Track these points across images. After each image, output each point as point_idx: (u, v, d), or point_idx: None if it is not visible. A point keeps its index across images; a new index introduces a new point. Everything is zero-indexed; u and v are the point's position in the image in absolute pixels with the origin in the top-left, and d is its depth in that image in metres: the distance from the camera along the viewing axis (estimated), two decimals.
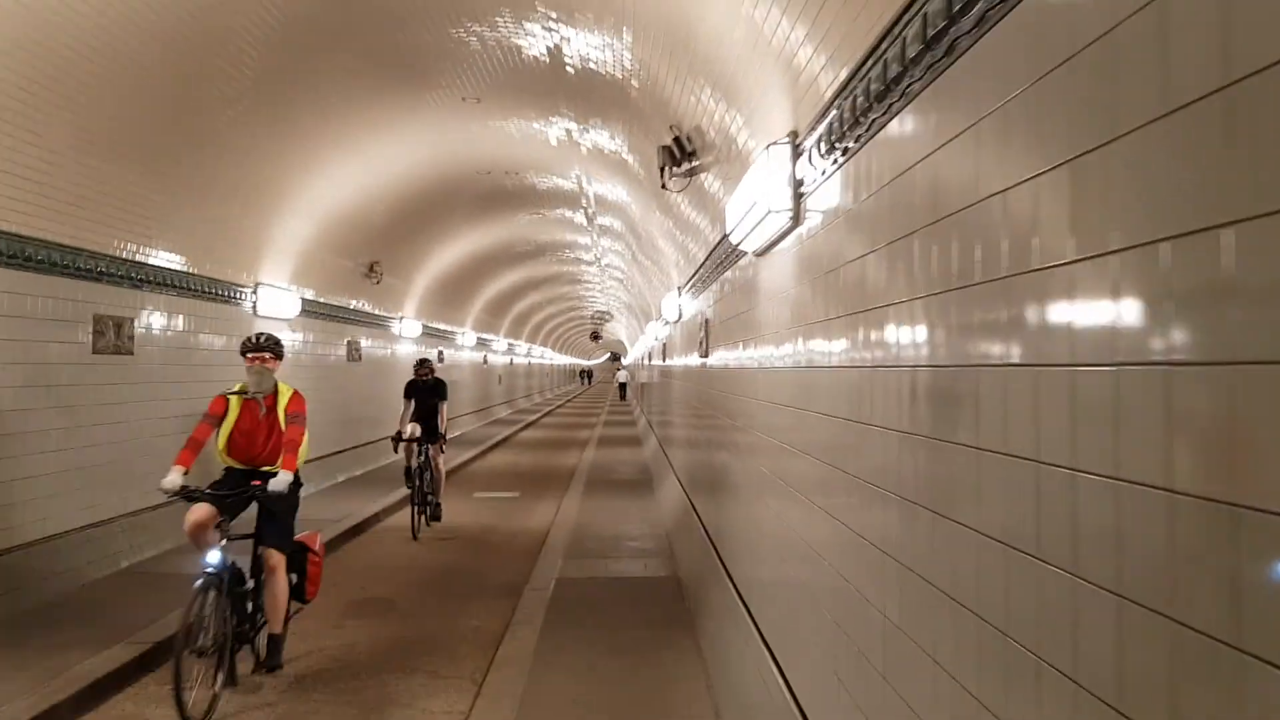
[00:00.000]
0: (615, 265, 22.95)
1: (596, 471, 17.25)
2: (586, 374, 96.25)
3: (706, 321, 8.88)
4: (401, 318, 20.30)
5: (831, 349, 3.84)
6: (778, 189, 4.43)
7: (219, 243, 11.17)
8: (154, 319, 10.04)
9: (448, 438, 12.51)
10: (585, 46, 8.77)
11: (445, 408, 12.14)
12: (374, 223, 15.53)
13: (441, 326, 24.88)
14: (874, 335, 3.24)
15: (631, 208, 14.19)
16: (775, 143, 4.47)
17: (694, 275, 9.93)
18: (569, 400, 55.62)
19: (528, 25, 8.70)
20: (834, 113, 3.70)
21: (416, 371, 12.09)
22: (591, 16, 7.99)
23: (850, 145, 3.56)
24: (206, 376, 10.98)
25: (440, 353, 24.78)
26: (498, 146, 13.31)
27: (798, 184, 4.38)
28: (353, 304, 16.76)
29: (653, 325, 20.64)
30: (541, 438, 27.21)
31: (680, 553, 9.64)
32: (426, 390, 12.08)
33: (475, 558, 10.27)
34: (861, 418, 3.36)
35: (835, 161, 3.78)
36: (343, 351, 16.39)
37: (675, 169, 7.99)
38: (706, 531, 8.72)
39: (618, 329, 51.55)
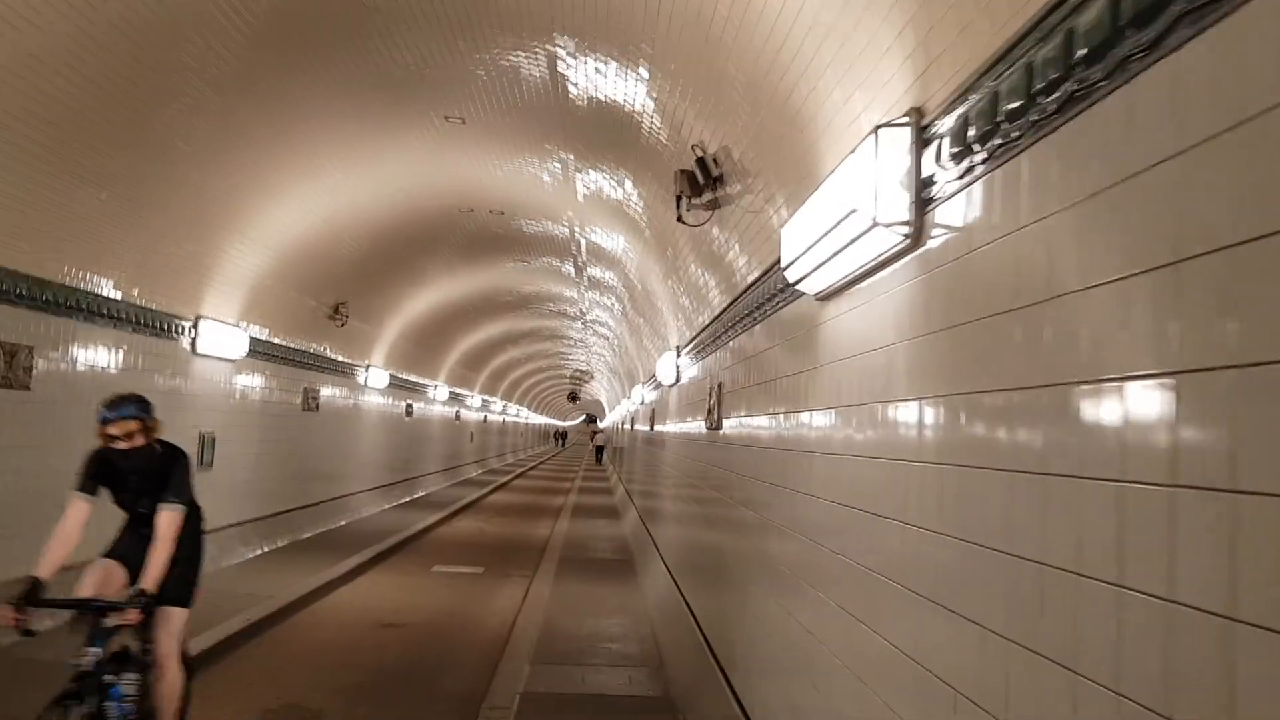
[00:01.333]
0: (602, 321, 21.52)
1: (571, 547, 15.60)
2: (561, 435, 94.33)
3: (719, 386, 7.39)
4: (368, 366, 18.72)
5: (973, 434, 2.40)
6: (888, 193, 2.97)
7: (152, 265, 9.63)
8: (62, 350, 8.46)
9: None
10: (595, 76, 7.40)
11: (175, 518, 5.06)
12: (340, 258, 14.03)
13: (413, 379, 23.29)
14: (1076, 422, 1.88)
15: (628, 259, 12.78)
16: (889, 123, 3.01)
17: (702, 331, 8.47)
18: (542, 461, 53.88)
19: (530, 44, 7.33)
20: (999, 80, 2.38)
21: (105, 429, 4.87)
22: (614, 48, 6.67)
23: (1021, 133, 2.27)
24: None
25: (409, 406, 23.16)
26: (482, 180, 11.90)
27: (923, 186, 2.92)
28: (312, 348, 15.18)
29: (638, 389, 19.14)
30: (512, 502, 25.52)
31: (672, 661, 8.04)
32: (136, 473, 5.09)
33: (426, 654, 8.62)
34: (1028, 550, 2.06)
35: (992, 157, 2.37)
36: (297, 400, 14.77)
37: (694, 199, 6.56)
38: (706, 639, 7.16)
39: (597, 389, 50.08)
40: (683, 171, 6.52)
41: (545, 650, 8.45)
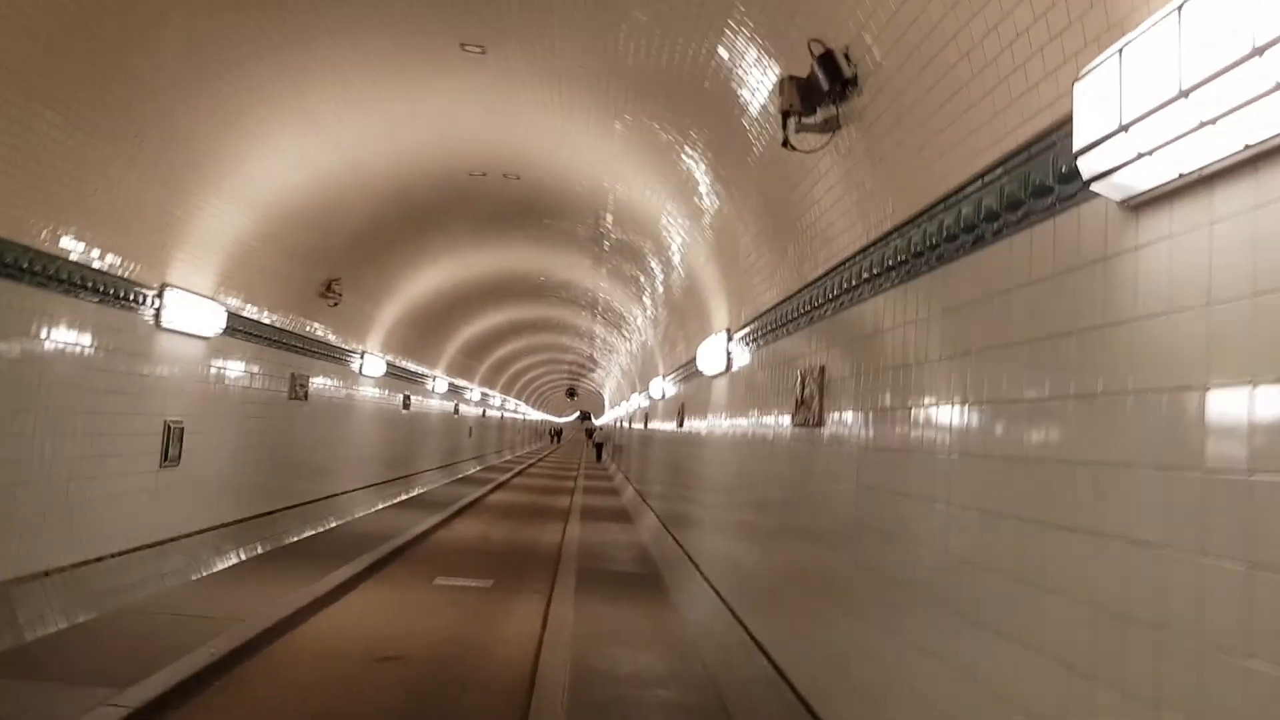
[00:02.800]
0: (617, 309, 19.77)
1: (588, 557, 13.92)
2: (557, 433, 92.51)
3: (819, 371, 5.71)
4: (363, 352, 17.01)
5: None
6: None
7: (106, 213, 7.93)
8: None
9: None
10: None
11: None
12: (335, 226, 12.34)
13: (411, 367, 21.60)
14: None
15: (669, 225, 11.10)
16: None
17: (789, 301, 6.80)
18: (540, 459, 52.18)
19: None
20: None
21: None
22: None
23: None
24: (70, 406, 7.69)
25: (406, 398, 21.47)
26: (499, 136, 10.24)
27: None
28: (302, 329, 13.48)
29: (658, 382, 17.48)
30: (515, 503, 23.83)
31: (745, 715, 6.38)
32: None
33: (433, 700, 6.95)
34: None
35: None
36: (283, 387, 13.06)
37: (807, 116, 4.90)
38: (796, 691, 5.50)
39: (601, 382, 48.30)
40: (792, 79, 4.85)
41: (581, 700, 6.78)
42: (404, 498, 20.92)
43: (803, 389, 5.96)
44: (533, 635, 9.06)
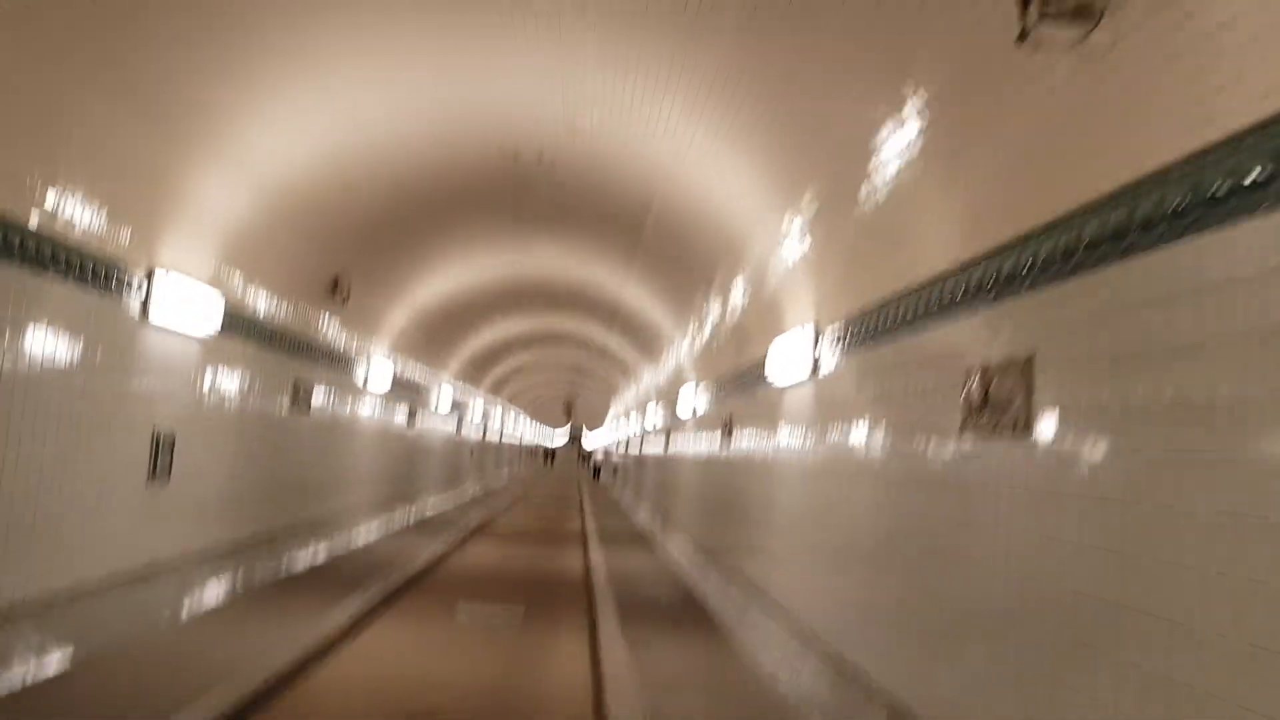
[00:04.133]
0: (640, 316, 18.35)
1: (621, 585, 12.51)
2: (550, 455, 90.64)
3: (1029, 360, 4.36)
4: (369, 362, 15.63)
5: None
6: None
7: (81, 170, 6.57)
8: None
9: None
10: None
11: None
12: (348, 212, 11.00)
13: (417, 380, 20.22)
14: None
15: (726, 195, 9.78)
16: None
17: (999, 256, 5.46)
18: (537, 481, 50.68)
19: None
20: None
21: None
22: None
23: None
24: (41, 409, 6.33)
25: (411, 415, 20.06)
26: (539, 99, 8.90)
27: None
28: (306, 332, 12.11)
29: (689, 391, 16.12)
30: (527, 526, 22.40)
31: None
32: None
33: None
34: None
35: None
36: (284, 397, 11.68)
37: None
38: None
39: (597, 405, 47.01)
40: None
41: None
42: (411, 522, 19.50)
43: (984, 388, 4.60)
44: (588, 685, 7.68)
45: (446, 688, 7.33)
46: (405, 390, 18.99)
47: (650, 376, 23.12)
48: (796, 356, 8.22)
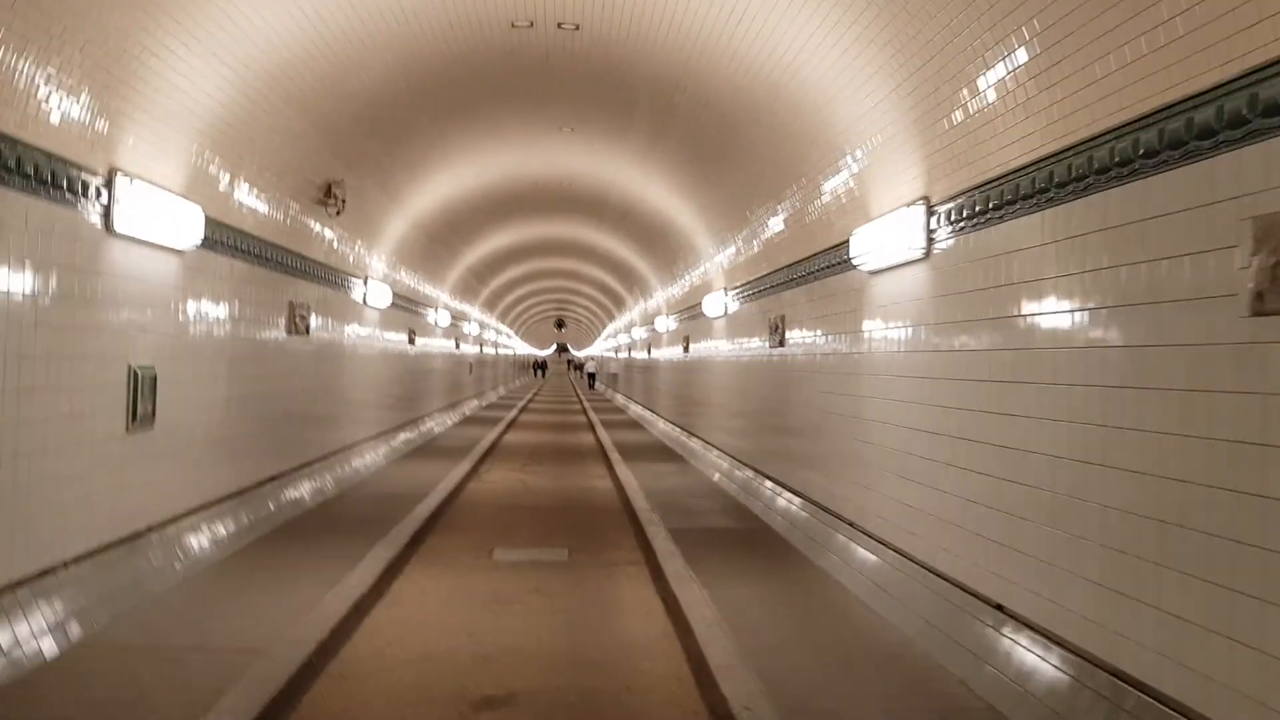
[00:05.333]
0: (654, 214, 16.82)
1: (668, 509, 11.28)
2: (541, 366, 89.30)
3: None
4: (367, 278, 14.17)
5: None
6: None
7: (13, 52, 5.04)
8: None
9: None
10: None
11: None
12: (343, 101, 9.49)
13: (418, 295, 18.81)
14: None
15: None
16: None
17: None
18: (535, 393, 49.43)
19: None
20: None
21: None
22: None
23: None
24: None
25: (412, 333, 18.67)
26: None
27: None
28: (301, 243, 10.63)
29: (717, 297, 14.75)
30: (538, 443, 21.17)
31: None
32: None
33: None
34: None
35: None
36: (280, 319, 10.26)
37: None
38: None
39: (605, 307, 45.74)
40: None
41: None
42: (417, 445, 18.23)
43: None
44: (666, 635, 6.50)
45: (513, 653, 6.11)
46: (405, 308, 17.57)
47: (664, 281, 21.67)
48: (900, 234, 6.83)
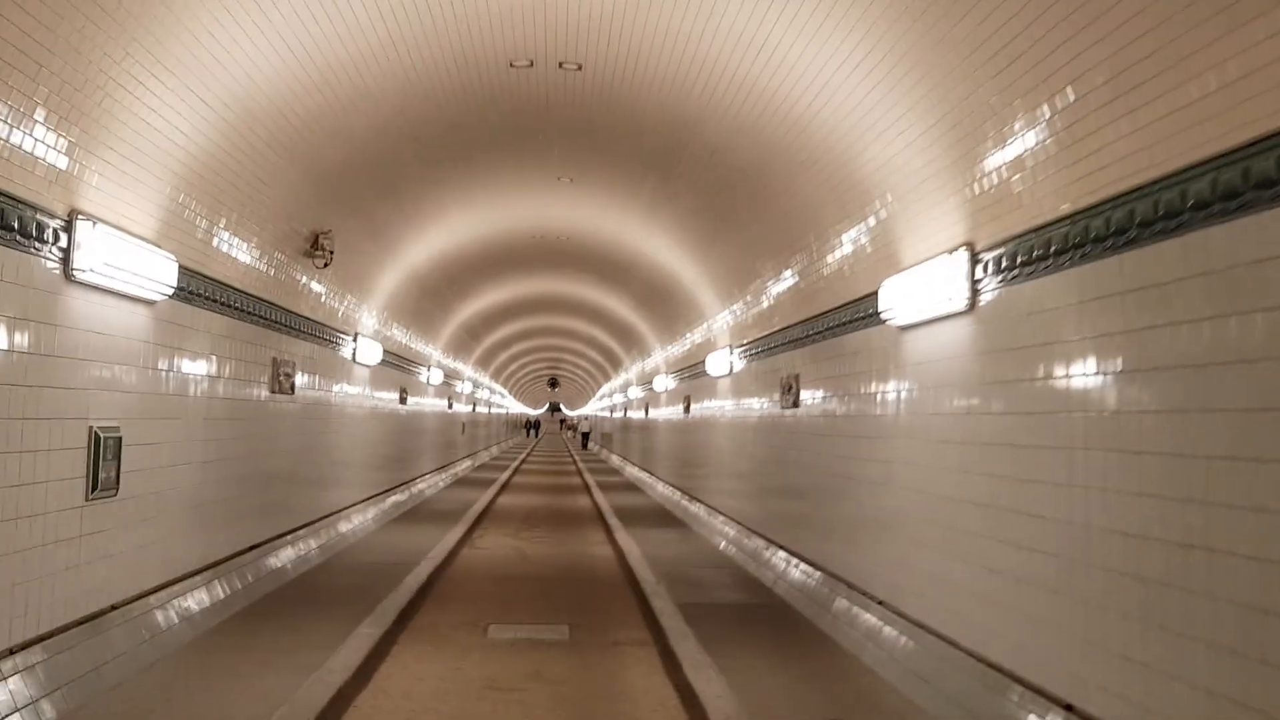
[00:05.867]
0: (668, 268, 16.27)
1: (675, 582, 10.59)
2: (533, 425, 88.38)
3: None
4: (357, 334, 13.56)
5: None
6: None
7: None
8: None
9: None
10: None
11: None
12: (339, 146, 8.94)
13: (410, 353, 18.18)
14: None
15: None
16: None
17: None
18: (529, 453, 48.64)
19: None
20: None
21: None
22: None
23: None
24: None
25: (404, 391, 18.02)
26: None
27: None
28: (287, 296, 10.02)
29: (722, 357, 14.16)
30: (533, 506, 20.39)
31: None
32: None
33: None
34: None
35: None
36: (263, 376, 9.62)
37: None
38: None
39: (600, 367, 45.20)
40: None
41: None
42: (409, 507, 17.51)
43: None
44: None
45: None
46: (397, 366, 16.94)
47: (664, 340, 21.08)
48: (937, 285, 6.24)
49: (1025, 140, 5.14)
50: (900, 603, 7.04)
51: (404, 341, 17.57)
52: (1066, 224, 4.82)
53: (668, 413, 22.12)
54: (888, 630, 7.10)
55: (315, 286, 10.97)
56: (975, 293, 5.95)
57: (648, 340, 23.20)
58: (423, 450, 21.28)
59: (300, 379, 10.77)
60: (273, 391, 9.85)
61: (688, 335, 17.83)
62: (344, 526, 12.89)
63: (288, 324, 10.15)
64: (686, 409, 18.78)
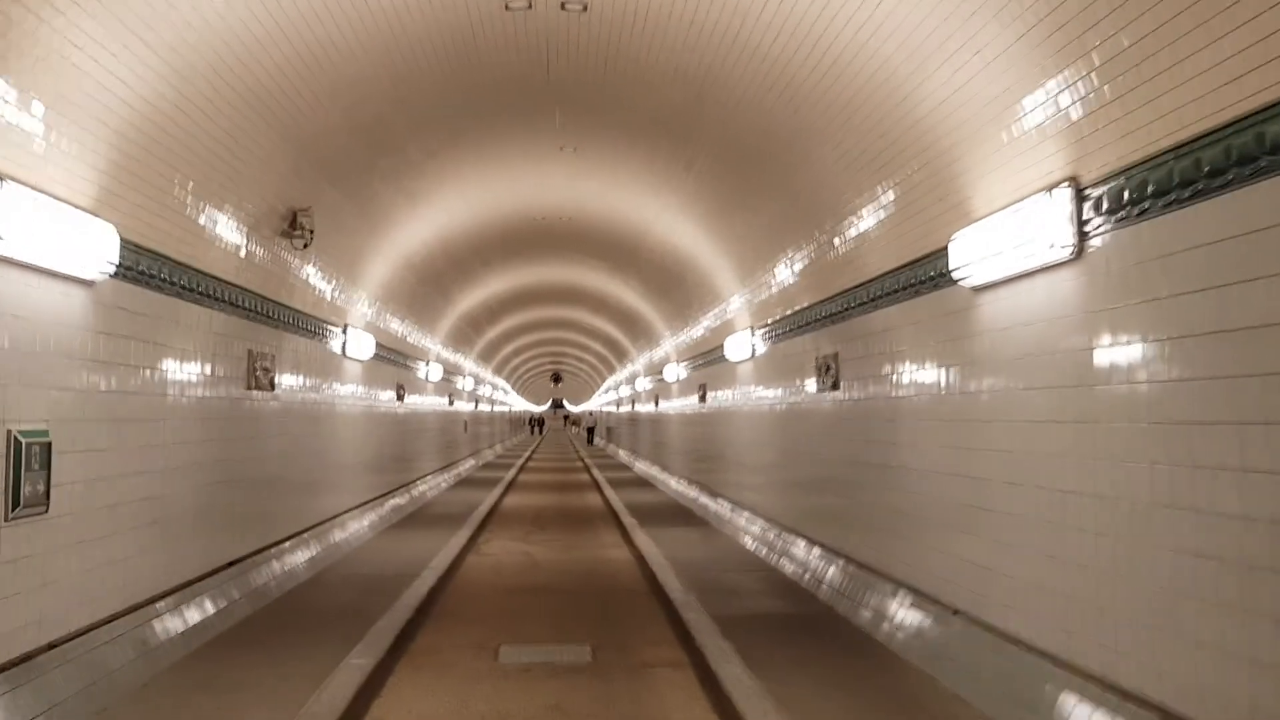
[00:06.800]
0: (679, 244, 15.14)
1: (704, 590, 9.53)
2: (538, 422, 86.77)
3: None
4: (346, 326, 12.47)
5: None
6: None
7: None
8: None
9: None
10: None
11: None
12: (316, 96, 7.84)
13: (406, 346, 17.09)
14: None
15: None
16: None
17: None
18: (533, 450, 47.57)
19: None
20: None
21: None
22: None
23: None
24: None
25: (400, 388, 16.93)
26: None
27: None
28: (262, 281, 8.94)
29: (744, 339, 13.09)
30: (541, 506, 19.30)
31: None
32: None
33: None
34: None
35: None
36: (235, 371, 8.53)
37: None
38: None
39: (604, 358, 44.15)
40: None
41: None
42: (410, 511, 16.43)
43: None
44: None
45: None
46: (392, 361, 15.87)
47: (675, 326, 19.97)
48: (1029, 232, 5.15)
49: (1160, 33, 4.04)
50: (985, 613, 5.96)
51: (400, 334, 16.49)
52: (1226, 134, 3.73)
53: (680, 404, 21.02)
54: (967, 645, 6.03)
55: (296, 270, 9.89)
56: (1083, 237, 4.85)
57: (656, 328, 22.10)
58: (423, 450, 20.20)
59: (282, 374, 9.70)
60: (249, 388, 8.78)
61: (701, 320, 16.72)
62: (337, 535, 11.81)
63: (264, 312, 9.08)
64: (702, 398, 17.68)
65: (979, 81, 5.53)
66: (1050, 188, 5.01)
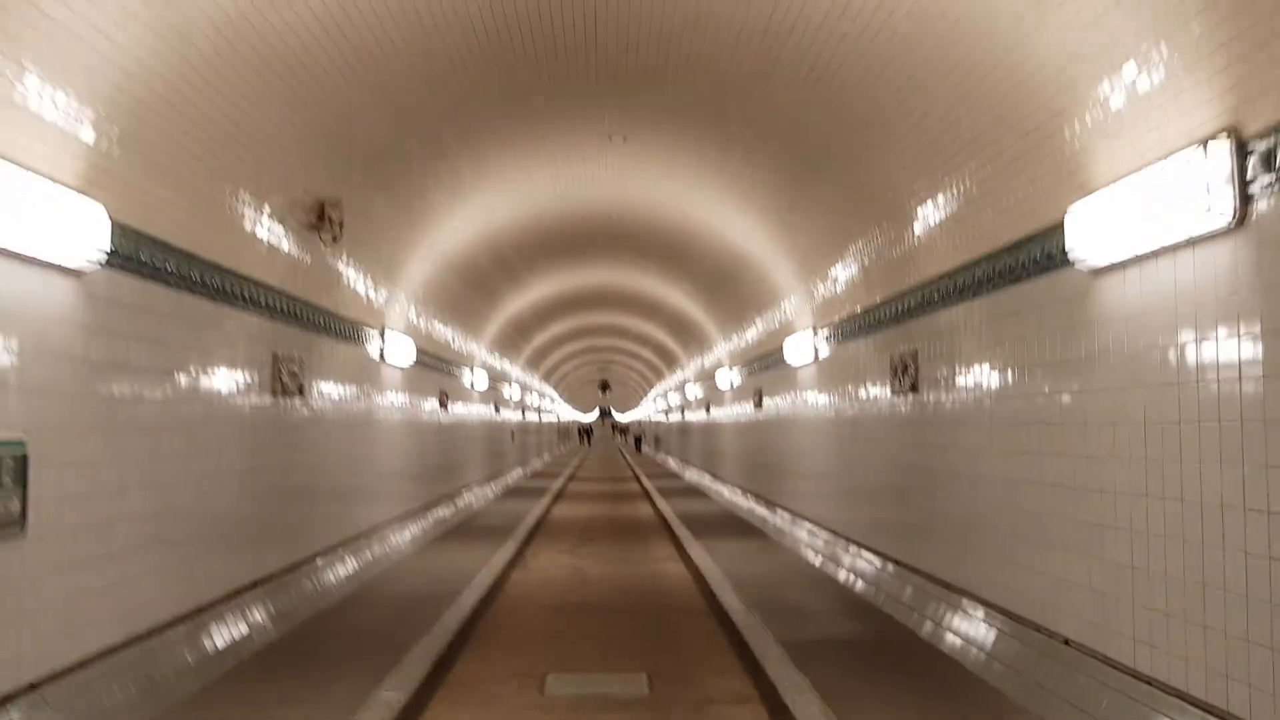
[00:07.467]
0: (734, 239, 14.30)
1: (771, 611, 8.69)
2: (586, 432, 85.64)
3: None
4: (384, 329, 11.81)
5: None
6: None
7: None
8: None
9: None
10: None
11: None
12: (347, 72, 7.14)
13: (452, 346, 16.44)
14: None
15: None
16: None
17: None
18: (582, 461, 46.86)
19: None
20: None
21: None
22: None
23: None
24: None
25: (444, 396, 16.27)
26: None
27: None
28: (288, 280, 8.26)
29: (803, 335, 12.24)
30: (591, 517, 18.55)
31: None
32: None
33: None
34: None
35: None
36: (256, 376, 7.86)
37: None
38: None
39: (654, 365, 43.36)
40: None
41: None
42: (454, 523, 15.74)
43: None
44: None
45: None
46: (436, 363, 15.20)
47: (728, 329, 19.14)
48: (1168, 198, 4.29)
49: None
50: (1105, 647, 5.09)
51: (443, 339, 15.84)
52: None
53: (733, 410, 20.17)
54: (1084, 679, 5.15)
55: (327, 267, 9.23)
56: (1246, 200, 3.99)
57: (708, 332, 21.28)
58: (468, 460, 19.54)
59: (317, 382, 9.04)
60: (274, 395, 8.11)
61: (757, 321, 15.88)
62: (376, 548, 11.13)
63: (293, 313, 8.42)
64: (758, 404, 16.82)
65: (1114, 18, 4.66)
66: (1202, 141, 4.14)
